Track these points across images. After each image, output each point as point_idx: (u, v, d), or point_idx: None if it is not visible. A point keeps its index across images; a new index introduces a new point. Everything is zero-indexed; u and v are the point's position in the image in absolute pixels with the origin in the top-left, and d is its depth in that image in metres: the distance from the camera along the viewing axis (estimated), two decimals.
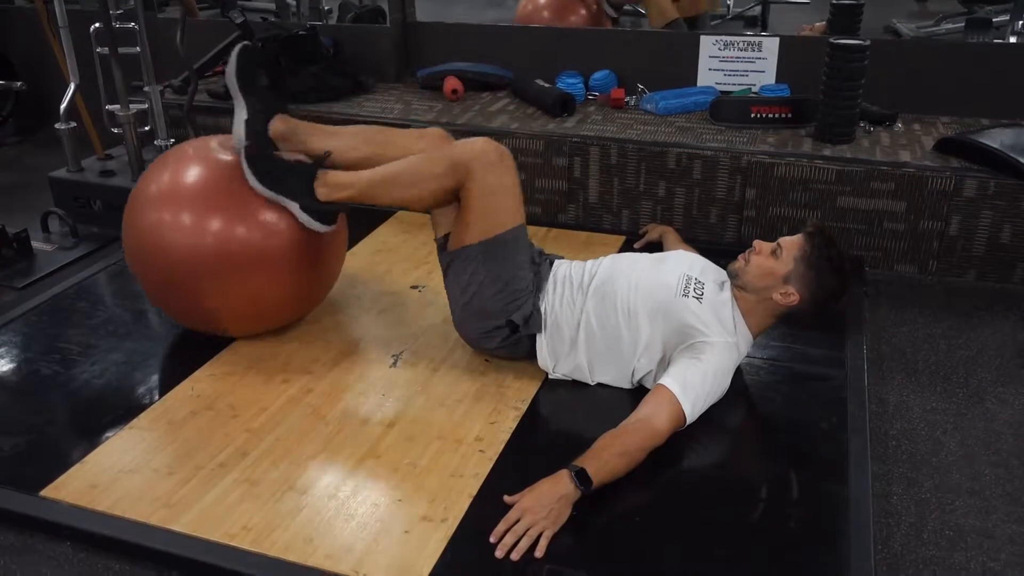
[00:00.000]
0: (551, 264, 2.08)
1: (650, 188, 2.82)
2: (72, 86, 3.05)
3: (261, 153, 2.01)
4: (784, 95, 3.02)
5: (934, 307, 2.47)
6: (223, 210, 2.00)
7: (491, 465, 1.73)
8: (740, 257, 1.95)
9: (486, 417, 1.89)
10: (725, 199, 2.75)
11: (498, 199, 1.92)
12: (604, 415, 1.83)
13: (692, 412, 1.74)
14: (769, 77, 3.14)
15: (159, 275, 2.06)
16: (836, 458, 1.74)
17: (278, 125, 2.06)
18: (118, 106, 3.05)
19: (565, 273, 2.03)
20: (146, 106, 3.13)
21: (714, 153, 2.72)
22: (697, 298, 1.87)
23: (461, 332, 2.07)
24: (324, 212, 2.03)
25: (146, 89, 3.09)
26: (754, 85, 3.15)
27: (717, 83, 3.19)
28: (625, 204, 2.87)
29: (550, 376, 2.01)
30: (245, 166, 1.99)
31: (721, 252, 2.23)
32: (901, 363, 2.20)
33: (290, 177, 2.00)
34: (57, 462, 1.75)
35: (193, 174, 2.04)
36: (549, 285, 2.01)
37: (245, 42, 2.08)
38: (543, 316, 1.97)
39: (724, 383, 1.82)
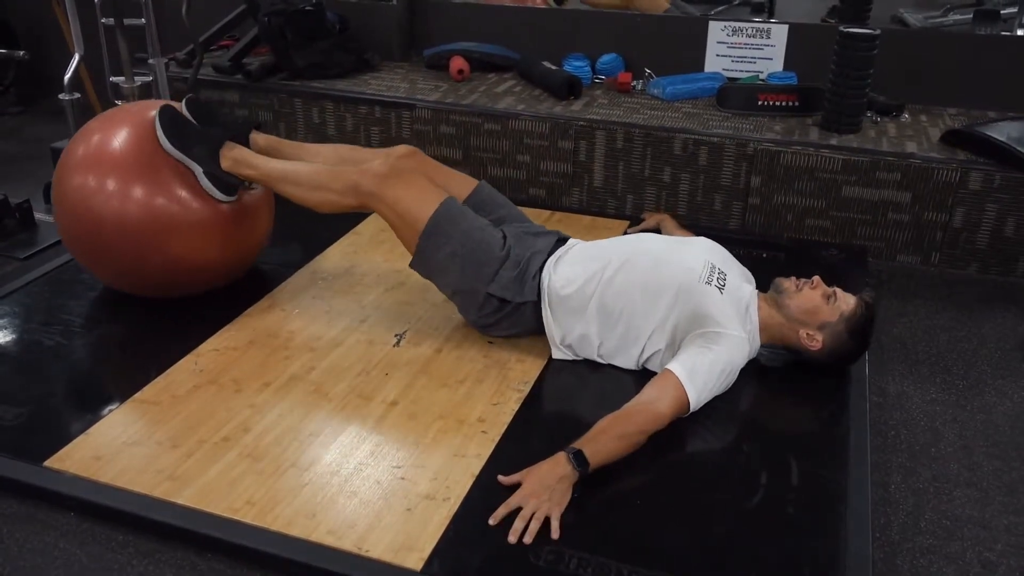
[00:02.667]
0: (560, 241, 2.09)
1: (655, 173, 2.82)
2: (76, 57, 3.02)
3: (175, 117, 2.10)
4: (791, 83, 3.01)
5: (936, 299, 2.48)
6: (146, 174, 2.06)
7: (493, 446, 1.74)
8: (793, 279, 1.94)
9: (489, 398, 1.89)
10: (730, 186, 2.75)
11: (407, 202, 1.98)
12: (607, 398, 1.84)
13: (697, 400, 1.74)
14: (777, 64, 3.13)
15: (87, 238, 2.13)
16: (836, 446, 1.76)
17: (259, 141, 2.19)
18: (122, 78, 3.03)
19: (582, 248, 2.05)
20: (150, 79, 3.11)
21: (720, 140, 2.71)
22: (719, 288, 1.87)
23: (467, 321, 2.10)
24: (226, 182, 2.11)
25: (151, 62, 3.08)
26: (762, 72, 3.14)
27: (724, 69, 3.17)
28: (630, 189, 2.86)
29: (554, 354, 2.02)
30: (157, 126, 2.08)
31: (724, 239, 2.23)
32: (902, 354, 2.21)
33: (199, 142, 2.09)
34: (60, 433, 1.76)
35: (121, 138, 2.10)
36: (558, 257, 2.02)
37: (160, 107, 2.12)
38: (544, 285, 1.98)
39: (732, 377, 1.83)
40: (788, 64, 3.11)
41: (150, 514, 1.56)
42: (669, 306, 1.87)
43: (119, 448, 1.72)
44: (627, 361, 1.96)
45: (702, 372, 1.75)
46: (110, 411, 1.83)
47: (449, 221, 1.97)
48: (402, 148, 2.14)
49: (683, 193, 2.81)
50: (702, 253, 1.95)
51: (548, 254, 2.03)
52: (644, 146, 2.79)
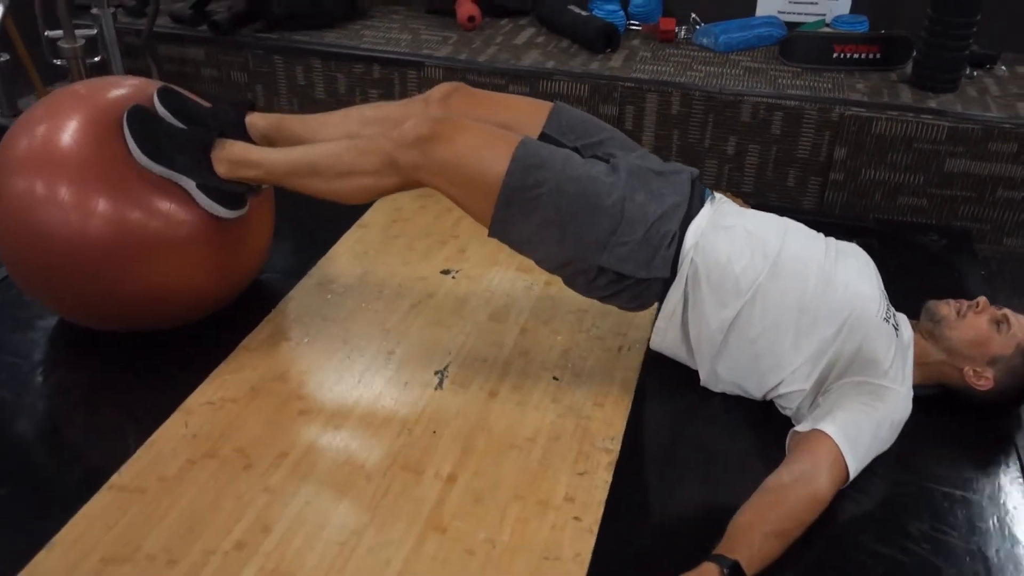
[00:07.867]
0: (706, 191, 1.61)
1: (717, 144, 2.40)
2: (1, 8, 2.50)
3: (147, 121, 1.60)
4: (870, 32, 2.58)
5: None
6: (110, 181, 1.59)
7: (593, 540, 1.34)
8: (952, 303, 1.56)
9: (571, 464, 1.49)
10: (808, 159, 2.34)
11: (465, 166, 1.48)
12: (729, 453, 1.48)
13: (855, 472, 1.37)
14: (843, 6, 2.71)
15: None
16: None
17: (259, 124, 1.69)
18: (60, 32, 2.59)
19: (738, 216, 1.57)
20: (95, 32, 2.65)
21: (798, 104, 2.29)
22: (895, 328, 1.50)
23: (573, 289, 1.62)
24: (227, 192, 1.64)
25: (94, 11, 2.64)
26: (824, 15, 2.70)
27: (780, 12, 2.75)
28: (686, 162, 2.41)
29: (654, 342, 1.64)
30: (128, 138, 1.59)
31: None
32: None
33: (181, 149, 1.61)
34: (17, 545, 1.32)
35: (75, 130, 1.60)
36: (712, 221, 1.53)
37: (127, 111, 1.61)
38: (685, 259, 1.50)
39: (889, 442, 1.45)
40: (856, 6, 2.68)
41: None
42: (830, 339, 1.48)
43: (96, 568, 1.28)
44: (752, 388, 1.56)
45: (865, 439, 1.38)
46: (79, 507, 1.38)
47: (529, 177, 1.46)
48: (440, 89, 1.67)
49: (750, 167, 2.41)
50: (872, 280, 1.55)
51: (688, 210, 1.52)
52: (705, 112, 2.36)
